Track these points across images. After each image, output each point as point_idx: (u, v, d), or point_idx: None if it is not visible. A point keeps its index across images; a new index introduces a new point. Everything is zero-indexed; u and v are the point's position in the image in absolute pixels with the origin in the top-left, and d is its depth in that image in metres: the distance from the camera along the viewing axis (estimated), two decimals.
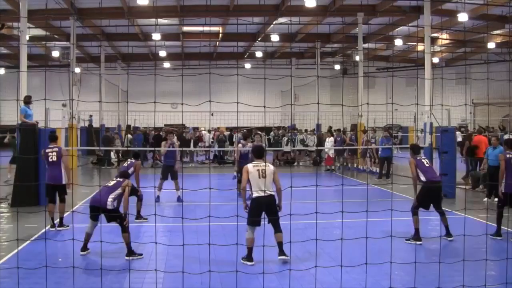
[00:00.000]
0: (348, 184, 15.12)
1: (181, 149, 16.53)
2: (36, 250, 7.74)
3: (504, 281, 6.17)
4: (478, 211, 10.01)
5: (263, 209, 7.22)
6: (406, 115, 23.06)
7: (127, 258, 7.48)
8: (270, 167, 7.28)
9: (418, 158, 8.82)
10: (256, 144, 7.84)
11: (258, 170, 7.17)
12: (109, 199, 7.62)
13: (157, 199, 12.35)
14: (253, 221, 7.17)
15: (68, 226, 9.29)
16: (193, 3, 20.94)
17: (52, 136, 10.07)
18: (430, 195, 8.50)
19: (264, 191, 7.09)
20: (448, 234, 8.42)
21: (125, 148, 21.15)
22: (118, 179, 8.03)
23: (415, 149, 9.10)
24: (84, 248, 7.71)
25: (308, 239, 6.46)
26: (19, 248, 7.53)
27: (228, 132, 24.93)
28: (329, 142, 20.60)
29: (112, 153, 22.88)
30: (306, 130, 24.81)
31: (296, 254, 7.53)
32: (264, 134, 21.82)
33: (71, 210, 8.05)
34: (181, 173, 15.07)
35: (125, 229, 7.58)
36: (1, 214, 11.07)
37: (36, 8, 18.76)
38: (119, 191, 7.74)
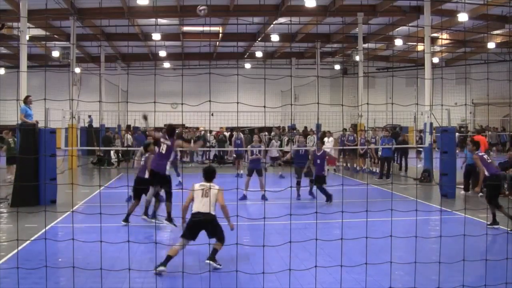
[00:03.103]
0: (348, 184, 15.11)
1: (180, 149, 16.50)
2: (36, 250, 7.73)
3: (504, 281, 6.17)
4: (478, 211, 10.00)
5: (202, 226, 7.01)
6: (406, 115, 23.03)
7: (166, 222, 8.56)
8: (214, 190, 7.20)
9: (480, 154, 9.02)
10: (206, 167, 7.90)
11: (202, 189, 7.13)
12: (167, 167, 8.81)
13: None
14: (187, 235, 6.94)
15: None
16: (193, 3, 20.89)
17: None
18: (496, 189, 8.91)
19: (204, 208, 6.97)
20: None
21: (125, 148, 21.13)
22: (166, 142, 8.90)
23: (477, 145, 9.42)
24: (146, 213, 8.88)
25: (308, 239, 6.46)
26: (19, 248, 7.54)
27: (228, 132, 24.89)
28: (329, 142, 20.55)
29: (112, 153, 22.87)
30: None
31: (296, 254, 7.53)
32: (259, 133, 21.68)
33: (71, 210, 8.04)
34: (181, 173, 15.13)
35: (169, 198, 8.60)
36: (1, 214, 11.07)
37: (36, 8, 18.73)
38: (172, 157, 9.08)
